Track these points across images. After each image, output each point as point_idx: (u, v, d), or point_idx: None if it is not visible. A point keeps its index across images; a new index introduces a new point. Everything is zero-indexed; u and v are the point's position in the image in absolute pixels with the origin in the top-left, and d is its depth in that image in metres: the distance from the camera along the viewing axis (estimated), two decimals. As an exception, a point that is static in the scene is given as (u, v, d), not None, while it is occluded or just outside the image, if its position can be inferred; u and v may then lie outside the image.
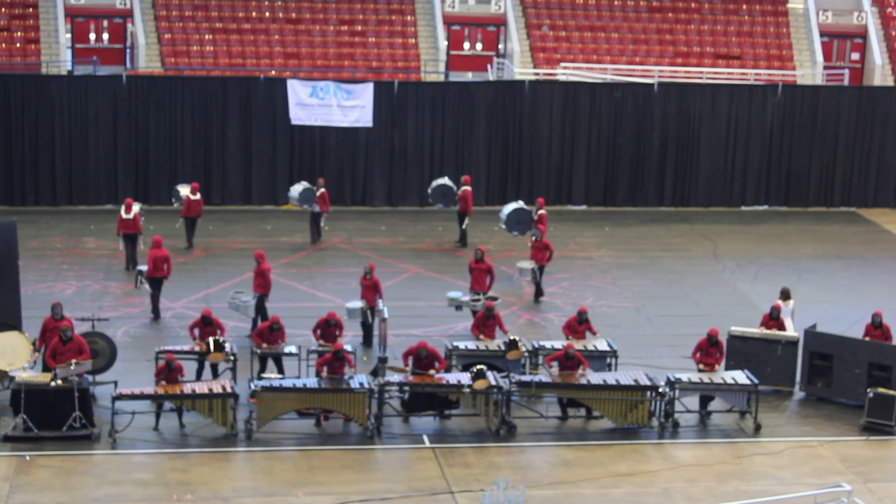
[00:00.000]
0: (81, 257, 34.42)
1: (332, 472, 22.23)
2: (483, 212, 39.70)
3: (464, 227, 36.27)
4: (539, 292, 31.68)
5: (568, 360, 24.61)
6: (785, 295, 28.09)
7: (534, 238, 32.33)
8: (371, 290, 28.11)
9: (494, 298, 28.84)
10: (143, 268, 29.93)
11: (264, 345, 25.46)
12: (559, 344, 26.14)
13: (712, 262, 35.83)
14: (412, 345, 24.73)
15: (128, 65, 43.80)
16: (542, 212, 34.17)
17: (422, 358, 24.36)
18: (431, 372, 24.23)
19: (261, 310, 28.39)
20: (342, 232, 37.29)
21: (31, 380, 23.25)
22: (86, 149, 39.45)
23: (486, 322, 26.61)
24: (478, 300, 29.02)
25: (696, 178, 42.17)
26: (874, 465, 23.35)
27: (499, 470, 22.30)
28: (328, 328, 25.87)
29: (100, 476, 21.83)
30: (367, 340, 28.10)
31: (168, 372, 23.63)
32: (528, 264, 31.61)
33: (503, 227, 35.22)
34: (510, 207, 35.17)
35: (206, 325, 25.66)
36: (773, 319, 26.87)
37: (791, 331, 27.29)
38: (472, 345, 26.03)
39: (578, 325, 26.62)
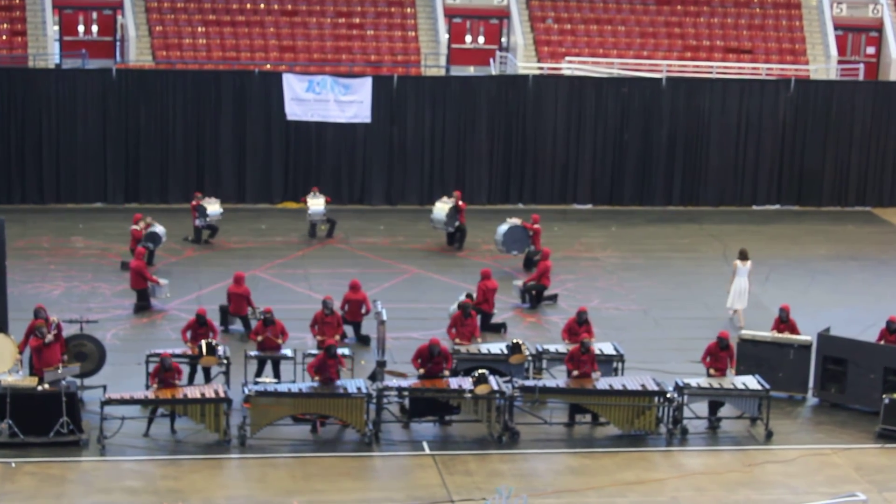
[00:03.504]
0: (69, 257, 34.42)
1: (328, 480, 22.23)
2: (485, 211, 39.73)
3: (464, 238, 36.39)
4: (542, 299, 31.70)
5: (584, 355, 24.57)
6: (743, 255, 30.63)
7: (536, 258, 32.61)
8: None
9: (470, 296, 28.90)
10: (164, 281, 30.58)
11: (259, 338, 25.47)
12: (563, 348, 26.12)
13: (722, 264, 35.78)
14: (421, 345, 24.69)
15: (118, 58, 43.81)
16: (536, 226, 34.17)
17: (434, 356, 24.30)
18: (445, 373, 24.30)
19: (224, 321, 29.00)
20: (339, 231, 37.27)
21: (16, 384, 23.23)
22: (74, 145, 39.46)
23: (463, 322, 26.56)
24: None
25: (705, 176, 42.17)
26: (889, 473, 23.32)
27: (501, 478, 22.29)
28: (325, 323, 26.07)
29: (88, 484, 21.81)
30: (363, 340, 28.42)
31: (163, 372, 23.61)
32: (519, 283, 31.75)
33: (501, 248, 34.74)
34: (504, 227, 34.71)
35: (200, 325, 25.67)
36: (784, 322, 26.85)
37: (745, 293, 30.30)
38: (473, 348, 26.01)
39: (578, 327, 26.57)
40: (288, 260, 34.75)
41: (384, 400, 23.86)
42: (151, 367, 24.28)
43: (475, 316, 26.88)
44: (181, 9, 43.84)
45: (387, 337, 25.87)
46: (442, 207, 36.35)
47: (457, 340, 26.33)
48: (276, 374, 25.41)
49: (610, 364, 25.90)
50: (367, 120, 40.14)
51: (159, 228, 33.74)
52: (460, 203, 36.18)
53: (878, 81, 45.04)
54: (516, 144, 41.23)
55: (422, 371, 24.34)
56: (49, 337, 23.83)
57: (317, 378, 23.71)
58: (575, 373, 24.63)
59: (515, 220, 34.62)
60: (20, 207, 38.91)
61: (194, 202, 35.77)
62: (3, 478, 21.81)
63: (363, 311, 28.30)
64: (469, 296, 28.83)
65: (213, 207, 35.81)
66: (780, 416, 25.31)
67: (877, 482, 22.86)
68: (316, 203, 36.59)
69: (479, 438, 24.04)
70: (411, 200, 40.98)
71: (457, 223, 36.19)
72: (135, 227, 33.21)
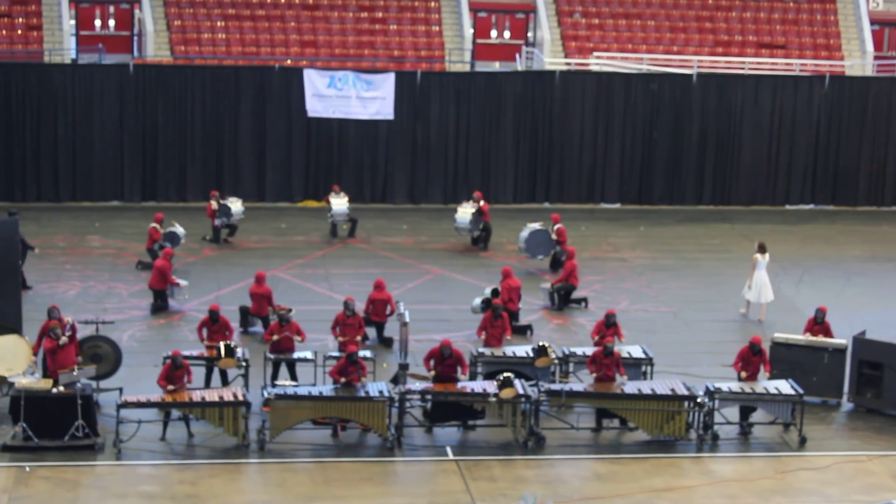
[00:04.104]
0: (85, 256, 34.48)
1: (349, 486, 22.19)
2: (511, 210, 39.67)
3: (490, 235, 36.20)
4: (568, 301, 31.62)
5: (607, 358, 24.47)
6: (762, 248, 30.88)
7: (563, 258, 32.49)
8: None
9: (496, 290, 28.83)
10: (184, 283, 30.58)
11: (275, 337, 25.35)
12: (591, 350, 26.00)
13: (754, 265, 35.68)
14: (433, 346, 24.66)
15: (135, 53, 43.90)
16: (559, 226, 34.06)
17: (445, 358, 24.26)
18: (462, 378, 24.17)
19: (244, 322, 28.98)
20: (361, 231, 37.24)
21: (31, 386, 23.24)
22: (90, 142, 39.54)
23: (493, 322, 26.46)
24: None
25: (737, 174, 42.04)
26: (927, 481, 23.20)
27: (526, 484, 22.22)
28: (346, 325, 26.10)
29: (103, 488, 21.82)
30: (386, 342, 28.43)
31: (174, 370, 23.56)
32: (546, 285, 31.64)
33: (526, 254, 34.60)
34: (525, 233, 34.56)
35: (214, 321, 25.64)
36: (818, 324, 26.68)
37: (768, 285, 30.64)
38: (498, 351, 25.93)
39: (607, 330, 26.46)
40: (308, 260, 34.74)
41: (407, 404, 23.81)
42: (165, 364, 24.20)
43: (506, 316, 26.78)
44: (200, 3, 43.89)
45: (409, 339, 25.82)
46: (464, 212, 36.24)
47: (481, 344, 26.27)
48: (293, 377, 25.36)
49: (639, 367, 25.79)
50: (390, 116, 40.09)
51: (179, 229, 33.76)
52: (482, 204, 36.08)
53: (915, 78, 44.87)
54: (542, 142, 41.15)
55: (433, 373, 24.30)
56: (63, 338, 23.83)
57: (342, 380, 23.64)
58: (594, 375, 24.52)
59: (536, 225, 34.51)
60: (35, 205, 39.00)
61: (212, 202, 35.75)
62: (17, 482, 21.83)
63: (388, 311, 28.24)
64: (495, 290, 28.78)
65: (236, 206, 35.86)
66: (814, 421, 25.18)
67: (914, 490, 22.73)
68: (339, 203, 36.56)
69: (503, 443, 23.97)
70: (435, 199, 40.94)
71: (481, 225, 36.09)
72: (154, 225, 33.20)
